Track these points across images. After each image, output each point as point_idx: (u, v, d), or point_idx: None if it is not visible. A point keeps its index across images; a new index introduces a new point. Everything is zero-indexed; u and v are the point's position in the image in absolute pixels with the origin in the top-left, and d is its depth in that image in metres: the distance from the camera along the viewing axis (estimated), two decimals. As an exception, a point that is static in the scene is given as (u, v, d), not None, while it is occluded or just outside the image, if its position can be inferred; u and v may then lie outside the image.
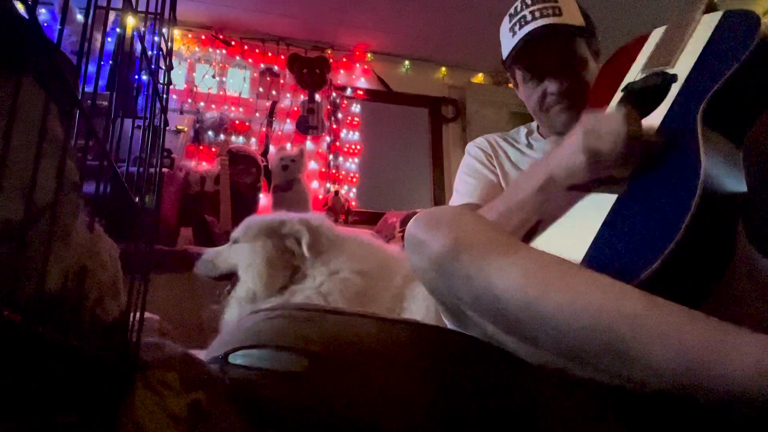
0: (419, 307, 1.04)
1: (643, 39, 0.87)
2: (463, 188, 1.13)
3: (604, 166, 0.74)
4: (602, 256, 0.67)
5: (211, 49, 3.53)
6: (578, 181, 0.79)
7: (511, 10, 1.06)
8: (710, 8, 0.79)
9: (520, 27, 1.01)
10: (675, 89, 0.74)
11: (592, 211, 0.73)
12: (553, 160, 0.81)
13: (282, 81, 3.65)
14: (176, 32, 3.31)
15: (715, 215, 0.62)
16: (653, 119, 0.74)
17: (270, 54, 3.65)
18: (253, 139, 3.50)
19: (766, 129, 0.68)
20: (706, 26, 0.76)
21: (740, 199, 0.64)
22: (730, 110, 0.69)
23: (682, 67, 0.76)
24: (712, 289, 0.62)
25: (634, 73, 0.84)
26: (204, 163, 3.24)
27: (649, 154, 0.71)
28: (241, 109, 3.51)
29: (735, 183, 0.65)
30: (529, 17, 1.00)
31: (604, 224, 0.70)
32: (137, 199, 0.49)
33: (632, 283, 0.56)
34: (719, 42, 0.73)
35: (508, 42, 1.06)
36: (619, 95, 0.85)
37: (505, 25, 1.07)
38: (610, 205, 0.71)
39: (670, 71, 0.77)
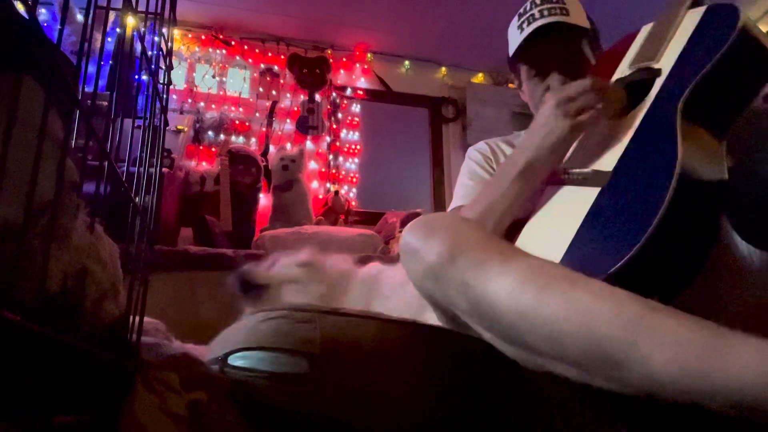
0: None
1: (632, 36, 0.88)
2: (464, 192, 1.13)
3: (581, 118, 0.80)
4: (582, 250, 0.69)
5: (211, 49, 3.52)
6: (562, 155, 0.84)
7: (521, 10, 1.10)
8: (696, 3, 0.80)
9: (528, 24, 1.06)
10: (659, 83, 0.75)
11: (576, 207, 0.74)
12: (531, 143, 0.85)
13: (282, 81, 3.65)
14: (176, 32, 3.31)
15: (693, 206, 0.63)
16: (638, 114, 0.76)
17: (270, 54, 3.65)
18: (253, 139, 3.49)
19: (747, 120, 0.68)
20: (690, 21, 0.77)
21: (722, 190, 0.65)
22: (713, 103, 0.70)
23: (666, 62, 0.77)
24: (693, 278, 0.63)
25: (623, 69, 0.85)
26: (204, 163, 3.24)
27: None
28: (241, 109, 3.51)
29: (715, 175, 0.66)
30: (537, 15, 1.05)
31: (586, 218, 0.71)
32: (137, 199, 0.48)
33: (604, 276, 0.57)
34: (701, 36, 0.74)
35: (515, 39, 1.10)
36: None
37: (514, 23, 1.11)
38: (593, 200, 0.72)
39: (655, 66, 0.78)
